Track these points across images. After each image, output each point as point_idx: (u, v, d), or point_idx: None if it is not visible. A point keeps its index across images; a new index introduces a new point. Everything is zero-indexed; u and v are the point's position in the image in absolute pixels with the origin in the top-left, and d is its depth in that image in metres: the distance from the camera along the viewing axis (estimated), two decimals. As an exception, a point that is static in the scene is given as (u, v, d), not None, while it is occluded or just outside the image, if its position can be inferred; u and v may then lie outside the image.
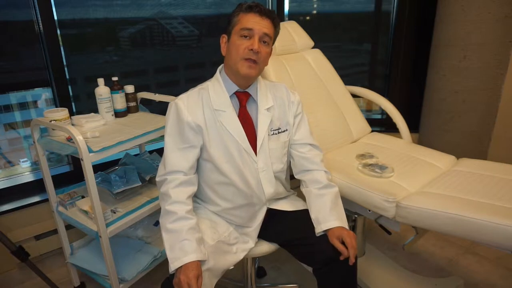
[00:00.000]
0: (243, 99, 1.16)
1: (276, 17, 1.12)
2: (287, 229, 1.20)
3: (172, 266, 0.97)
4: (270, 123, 1.17)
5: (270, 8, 2.29)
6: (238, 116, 1.14)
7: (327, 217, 1.11)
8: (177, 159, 1.09)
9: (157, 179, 1.12)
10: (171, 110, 1.12)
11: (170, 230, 1.03)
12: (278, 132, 1.19)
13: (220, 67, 1.19)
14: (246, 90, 1.16)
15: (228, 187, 1.15)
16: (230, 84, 1.14)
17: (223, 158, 1.12)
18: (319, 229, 1.11)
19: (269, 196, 1.19)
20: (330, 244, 1.07)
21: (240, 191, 1.15)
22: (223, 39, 1.14)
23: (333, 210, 1.13)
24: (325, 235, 1.10)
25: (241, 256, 1.15)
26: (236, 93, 1.15)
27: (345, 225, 1.11)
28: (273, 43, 1.16)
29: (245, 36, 1.07)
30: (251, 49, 1.06)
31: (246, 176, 1.14)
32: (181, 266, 0.96)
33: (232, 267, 1.12)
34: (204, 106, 1.12)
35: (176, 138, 1.10)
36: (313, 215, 1.15)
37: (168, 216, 1.04)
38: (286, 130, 1.21)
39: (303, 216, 1.19)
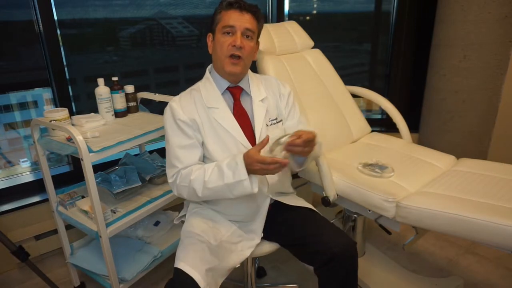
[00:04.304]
0: (236, 94, 1.18)
1: (257, 10, 1.13)
2: (288, 228, 1.19)
3: (243, 174, 1.00)
4: (266, 114, 1.19)
5: (270, 8, 2.30)
6: (233, 111, 1.16)
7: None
8: (184, 156, 1.11)
9: (169, 180, 1.13)
10: (166, 113, 1.15)
11: (210, 177, 1.04)
12: (276, 122, 1.22)
13: (209, 66, 1.22)
14: (238, 84, 1.18)
15: None
16: (221, 80, 1.17)
17: (222, 154, 1.13)
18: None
19: (272, 185, 1.19)
20: (331, 243, 1.06)
21: None
22: (209, 37, 1.17)
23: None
24: (325, 234, 1.09)
25: (247, 253, 1.15)
26: (228, 88, 1.17)
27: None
28: (258, 37, 1.18)
29: (228, 33, 1.09)
30: (234, 45, 1.08)
31: None
32: (245, 167, 0.99)
33: (238, 265, 1.12)
34: (197, 105, 1.14)
35: (178, 137, 1.12)
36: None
37: (199, 179, 1.06)
38: (282, 120, 1.25)
39: (304, 215, 1.19)
